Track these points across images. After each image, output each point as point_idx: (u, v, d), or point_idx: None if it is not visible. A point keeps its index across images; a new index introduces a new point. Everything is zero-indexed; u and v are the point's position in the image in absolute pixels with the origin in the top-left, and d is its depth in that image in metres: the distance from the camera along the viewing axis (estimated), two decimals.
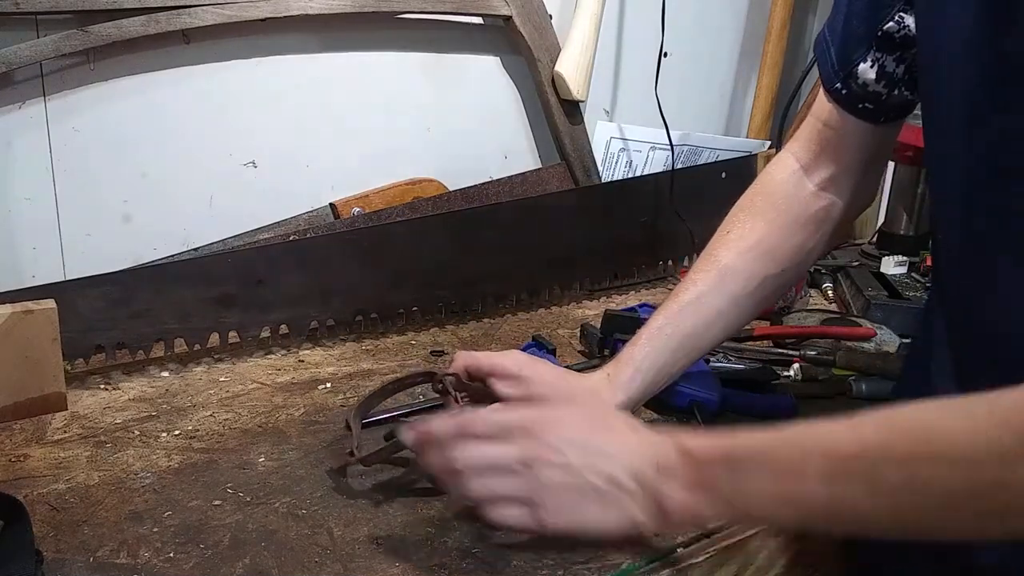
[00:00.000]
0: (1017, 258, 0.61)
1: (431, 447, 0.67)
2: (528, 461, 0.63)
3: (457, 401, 0.79)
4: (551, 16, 1.34)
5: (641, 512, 0.61)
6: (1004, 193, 0.61)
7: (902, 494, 0.51)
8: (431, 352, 1.07)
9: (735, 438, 0.59)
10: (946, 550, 0.68)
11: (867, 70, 0.75)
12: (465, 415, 0.68)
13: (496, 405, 0.76)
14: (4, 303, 0.85)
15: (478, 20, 1.31)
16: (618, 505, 0.62)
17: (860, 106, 0.78)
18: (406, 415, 0.90)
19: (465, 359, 0.83)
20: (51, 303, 0.87)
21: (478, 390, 0.82)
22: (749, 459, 0.58)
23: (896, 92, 0.76)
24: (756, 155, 1.42)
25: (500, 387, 0.81)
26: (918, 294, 1.22)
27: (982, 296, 0.65)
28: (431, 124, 1.32)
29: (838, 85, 0.78)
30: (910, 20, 0.71)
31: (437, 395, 0.83)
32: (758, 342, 1.08)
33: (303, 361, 1.04)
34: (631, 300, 1.26)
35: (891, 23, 0.72)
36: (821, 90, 0.81)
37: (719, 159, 1.48)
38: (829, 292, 1.30)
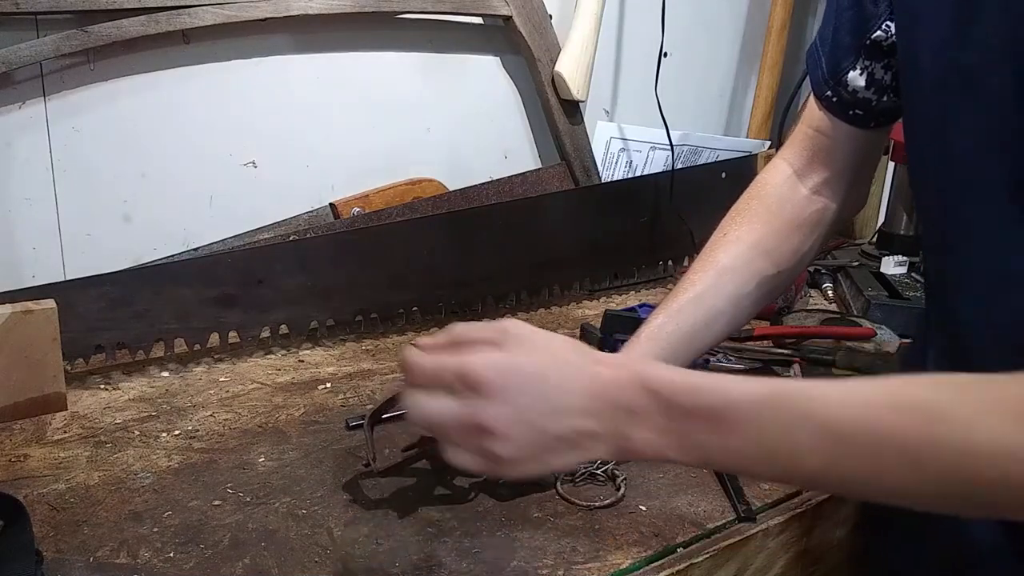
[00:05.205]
0: (980, 246, 0.63)
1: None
2: (481, 425, 0.58)
3: None
4: (551, 16, 1.34)
5: (604, 451, 0.59)
6: (967, 201, 0.63)
7: (897, 473, 0.50)
8: None
9: (716, 391, 0.55)
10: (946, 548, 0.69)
11: (857, 77, 0.77)
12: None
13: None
14: (4, 303, 0.85)
15: (478, 20, 1.31)
16: (581, 449, 0.59)
17: (851, 112, 0.79)
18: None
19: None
20: (51, 303, 0.87)
21: None
22: (736, 421, 0.54)
23: (885, 98, 0.78)
24: (756, 155, 1.42)
25: None
26: (918, 294, 1.22)
27: (958, 279, 0.66)
28: (431, 124, 1.32)
29: (828, 93, 0.79)
30: None
31: None
32: (758, 342, 1.08)
33: (303, 361, 1.04)
34: (631, 300, 1.26)
35: (879, 32, 0.74)
36: (811, 97, 0.82)
37: (719, 159, 1.48)
38: (829, 292, 1.30)
